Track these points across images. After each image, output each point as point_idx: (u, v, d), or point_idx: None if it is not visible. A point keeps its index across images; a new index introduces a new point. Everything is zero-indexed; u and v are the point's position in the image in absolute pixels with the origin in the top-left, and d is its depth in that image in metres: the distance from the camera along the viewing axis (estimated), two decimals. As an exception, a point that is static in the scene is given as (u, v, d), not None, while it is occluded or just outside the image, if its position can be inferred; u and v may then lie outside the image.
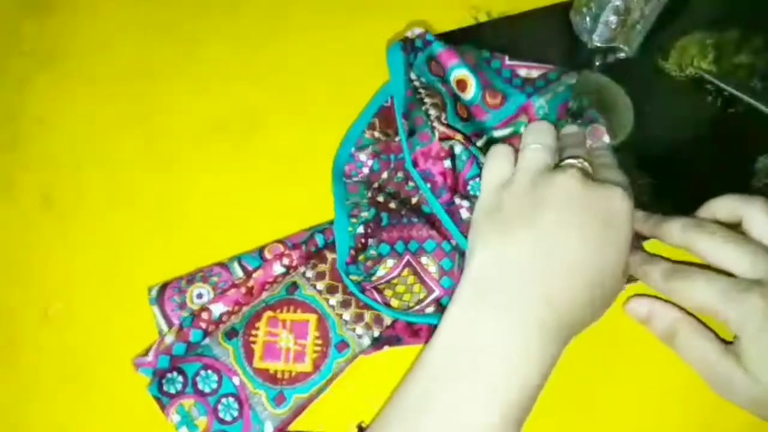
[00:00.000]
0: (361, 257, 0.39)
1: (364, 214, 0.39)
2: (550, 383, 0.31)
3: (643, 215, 0.37)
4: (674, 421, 0.38)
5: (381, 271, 0.39)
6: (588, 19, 0.44)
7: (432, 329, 0.34)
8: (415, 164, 0.39)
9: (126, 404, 0.38)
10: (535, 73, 0.43)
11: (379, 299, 0.37)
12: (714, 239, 0.33)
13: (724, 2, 0.48)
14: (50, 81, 0.48)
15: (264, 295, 0.39)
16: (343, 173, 0.43)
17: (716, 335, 0.34)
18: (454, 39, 0.44)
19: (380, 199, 0.40)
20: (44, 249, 0.43)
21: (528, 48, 0.44)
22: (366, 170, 0.42)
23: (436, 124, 0.39)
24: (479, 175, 0.37)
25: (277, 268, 0.38)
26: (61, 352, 0.40)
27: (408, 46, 0.42)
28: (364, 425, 0.37)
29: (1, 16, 0.50)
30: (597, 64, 0.45)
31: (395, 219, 0.40)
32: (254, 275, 0.38)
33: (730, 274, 0.32)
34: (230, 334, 0.37)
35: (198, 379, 0.36)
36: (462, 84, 0.41)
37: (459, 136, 0.38)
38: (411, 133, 0.40)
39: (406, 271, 0.38)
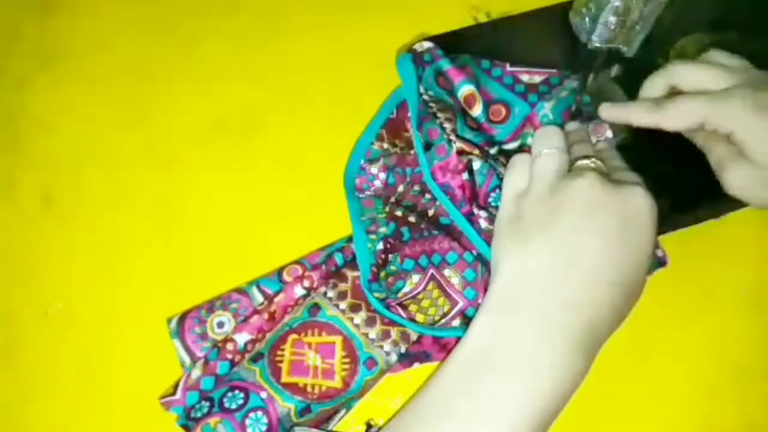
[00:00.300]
0: (382, 274, 0.38)
1: (383, 230, 0.39)
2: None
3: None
4: (674, 421, 0.38)
5: (407, 287, 0.38)
6: (587, 19, 0.44)
7: None
8: (433, 178, 0.39)
9: (126, 404, 0.39)
10: (537, 78, 0.43)
11: (404, 315, 0.37)
12: (681, 66, 0.36)
13: (724, 3, 0.48)
14: (50, 81, 0.48)
15: (286, 318, 0.38)
16: (354, 187, 0.42)
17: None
18: (454, 39, 0.44)
19: (398, 213, 0.40)
20: (44, 249, 0.43)
21: (527, 48, 0.45)
22: (378, 183, 0.42)
23: (453, 137, 0.39)
24: (500, 186, 0.37)
25: (298, 291, 0.38)
26: (61, 352, 0.40)
27: (417, 58, 0.41)
28: (373, 423, 0.37)
29: (1, 16, 0.50)
30: (596, 64, 0.45)
31: (416, 233, 0.39)
32: (276, 299, 0.38)
33: None
34: (256, 358, 0.37)
35: (225, 399, 0.35)
36: (470, 100, 0.41)
37: (477, 151, 0.38)
38: (427, 146, 0.39)
39: (431, 285, 0.38)
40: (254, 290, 0.39)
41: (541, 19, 0.47)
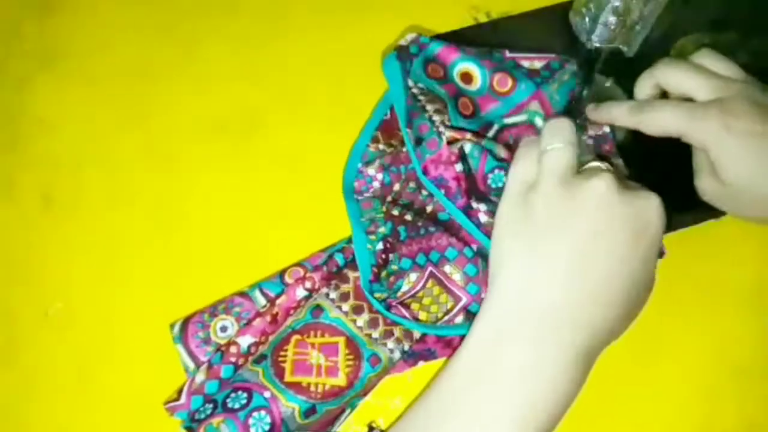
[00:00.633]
0: (383, 274, 0.38)
1: (381, 230, 0.39)
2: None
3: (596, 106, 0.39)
4: (674, 421, 0.38)
5: (405, 286, 0.38)
6: (587, 19, 0.44)
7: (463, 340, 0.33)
8: (425, 172, 0.39)
9: (126, 404, 0.39)
10: (537, 64, 0.42)
11: (406, 314, 0.37)
12: (669, 68, 0.36)
13: (723, 3, 0.48)
14: (50, 81, 0.48)
15: (288, 320, 0.38)
16: (353, 190, 0.42)
17: None
18: (453, 39, 0.44)
19: (395, 212, 0.40)
20: (44, 249, 0.43)
21: (527, 48, 0.44)
22: (376, 184, 0.42)
23: (442, 128, 0.38)
24: (497, 167, 0.37)
25: (300, 292, 0.38)
26: (61, 352, 0.40)
27: (403, 54, 0.41)
28: (374, 425, 0.37)
29: (1, 16, 0.50)
30: (596, 64, 0.45)
31: (413, 231, 0.39)
32: (278, 301, 0.38)
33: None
34: (259, 360, 0.37)
35: (228, 400, 0.35)
36: (467, 76, 0.41)
37: (468, 135, 0.38)
38: (418, 141, 0.39)
39: (430, 283, 0.38)
40: (256, 293, 0.39)
41: (540, 19, 0.47)
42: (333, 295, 0.38)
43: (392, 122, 0.43)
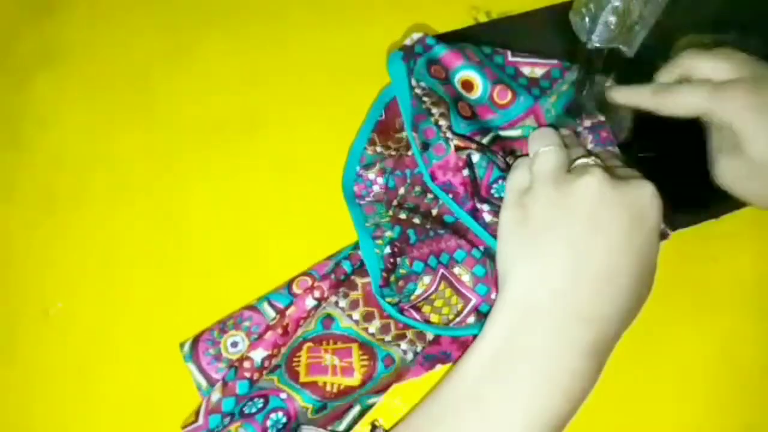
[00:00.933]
0: (392, 278, 0.38)
1: (388, 234, 0.39)
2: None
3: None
4: (674, 421, 0.38)
5: (419, 290, 0.38)
6: (587, 19, 0.44)
7: None
8: (433, 178, 0.39)
9: (126, 404, 0.39)
10: (538, 72, 0.43)
11: (418, 318, 0.36)
12: (693, 56, 0.38)
13: (723, 3, 0.48)
14: (50, 81, 0.48)
15: (299, 331, 0.38)
16: (353, 195, 0.42)
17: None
18: (454, 39, 0.44)
19: (402, 216, 0.40)
20: (45, 249, 0.43)
21: (527, 48, 0.44)
22: (376, 188, 0.42)
23: (449, 135, 0.38)
24: (501, 177, 0.37)
25: (309, 302, 0.38)
26: (62, 351, 0.40)
27: (408, 53, 0.41)
28: (378, 424, 0.37)
29: (1, 16, 0.50)
30: (596, 64, 0.45)
31: (422, 234, 0.39)
32: (287, 312, 0.37)
33: None
34: (273, 369, 0.37)
35: (245, 408, 0.35)
36: (468, 84, 0.41)
37: (474, 145, 0.38)
38: (424, 146, 0.39)
39: (442, 285, 0.37)
40: (265, 305, 0.39)
41: (541, 19, 0.47)
42: (342, 303, 0.38)
43: (387, 123, 0.43)
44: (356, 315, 0.37)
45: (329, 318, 0.37)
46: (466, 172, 0.38)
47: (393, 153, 0.43)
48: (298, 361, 0.36)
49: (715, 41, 0.46)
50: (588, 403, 0.38)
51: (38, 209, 0.44)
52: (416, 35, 0.41)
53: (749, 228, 0.42)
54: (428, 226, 0.39)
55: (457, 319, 0.36)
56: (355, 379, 0.35)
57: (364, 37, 0.47)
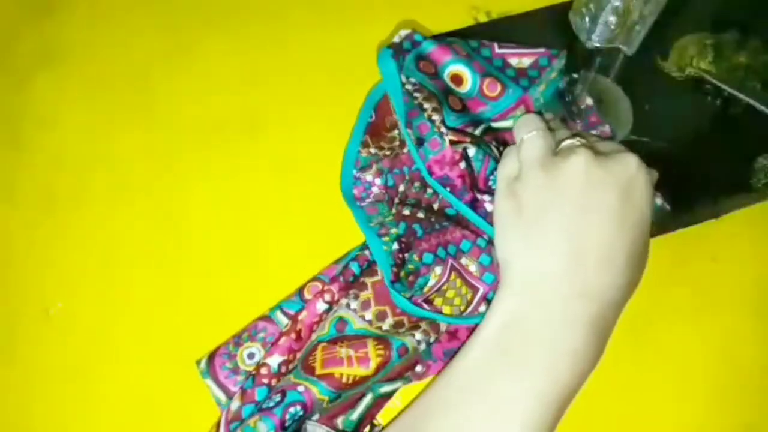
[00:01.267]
0: (402, 274, 0.38)
1: (394, 231, 0.39)
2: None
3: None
4: (674, 420, 0.38)
5: (432, 280, 0.38)
6: (587, 19, 0.44)
7: None
8: (430, 173, 0.39)
9: (126, 404, 0.39)
10: (526, 61, 0.43)
11: (430, 310, 0.37)
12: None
13: (724, 3, 0.48)
14: (50, 81, 0.48)
15: (313, 336, 0.38)
16: (353, 197, 0.42)
17: None
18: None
19: (406, 212, 0.40)
20: (45, 248, 0.43)
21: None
22: (375, 189, 0.42)
23: (444, 130, 0.38)
24: (497, 168, 0.37)
25: (321, 306, 0.38)
26: (62, 351, 0.40)
27: (397, 50, 0.41)
28: (376, 422, 0.37)
29: (1, 16, 0.50)
30: (596, 64, 0.45)
31: (428, 228, 0.39)
32: (300, 317, 0.37)
33: None
34: (289, 372, 0.37)
35: (262, 404, 0.35)
36: (457, 79, 0.41)
37: (468, 139, 0.38)
38: (419, 142, 0.39)
39: (453, 275, 0.38)
40: (278, 314, 0.39)
41: (540, 19, 0.47)
42: (354, 305, 0.37)
43: (378, 124, 0.43)
44: (369, 315, 0.37)
45: (342, 321, 0.37)
46: (462, 165, 0.38)
47: (387, 153, 0.43)
48: (314, 359, 0.36)
49: (715, 41, 0.46)
50: (588, 403, 0.38)
51: (38, 209, 0.44)
52: (404, 32, 0.42)
53: (749, 228, 0.42)
54: (433, 219, 0.39)
55: (469, 309, 0.37)
56: (370, 369, 0.35)
57: (364, 37, 0.47)
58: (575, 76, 0.43)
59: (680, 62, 0.45)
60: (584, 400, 0.38)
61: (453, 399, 0.31)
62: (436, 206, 0.40)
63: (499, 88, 0.41)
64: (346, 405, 0.37)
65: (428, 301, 0.37)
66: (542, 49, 0.43)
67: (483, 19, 0.48)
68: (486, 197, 0.38)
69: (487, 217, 0.37)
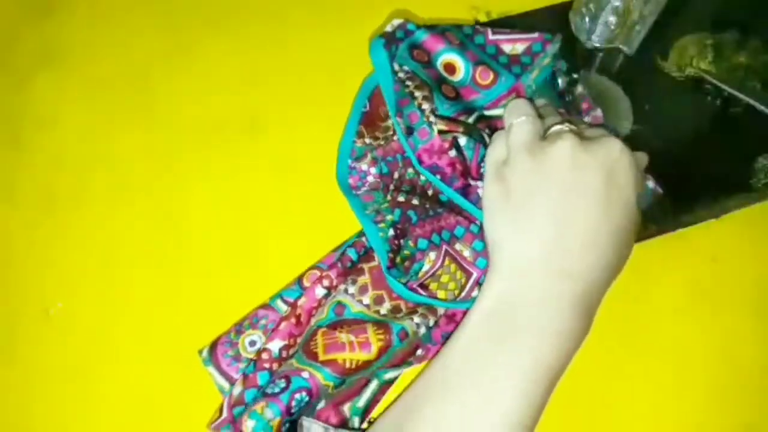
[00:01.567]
0: (398, 259, 0.38)
1: (389, 217, 0.39)
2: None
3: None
4: (674, 420, 0.38)
5: (426, 266, 0.38)
6: (587, 19, 0.44)
7: None
8: (420, 161, 0.39)
9: (126, 404, 0.39)
10: (520, 48, 0.42)
11: (426, 295, 0.37)
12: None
13: (724, 3, 0.48)
14: (50, 81, 0.48)
15: (312, 321, 0.38)
16: (349, 187, 0.42)
17: None
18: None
19: (401, 198, 0.40)
20: (45, 248, 0.43)
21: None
22: (370, 178, 0.42)
23: (432, 119, 0.39)
24: None
25: (319, 291, 0.38)
26: (62, 351, 0.40)
27: (389, 39, 0.41)
28: (372, 420, 0.37)
29: (1, 16, 0.50)
30: (596, 64, 0.45)
31: (422, 214, 0.39)
32: (299, 303, 0.38)
33: None
34: (290, 356, 0.37)
35: (267, 389, 0.35)
36: (450, 67, 0.41)
37: (461, 128, 0.38)
38: (409, 131, 0.39)
39: (447, 260, 0.38)
40: (278, 302, 0.39)
41: (541, 19, 0.47)
42: (352, 289, 0.38)
43: (372, 114, 0.43)
44: (366, 299, 0.38)
45: (340, 305, 0.37)
46: (452, 153, 0.39)
47: (381, 143, 0.43)
48: (315, 344, 0.36)
49: (715, 41, 0.46)
50: (588, 403, 0.38)
51: (38, 209, 0.44)
52: (396, 21, 0.41)
53: (749, 228, 0.42)
54: (427, 206, 0.39)
55: (462, 294, 0.37)
56: (372, 353, 0.35)
57: (364, 37, 0.47)
58: (575, 76, 0.44)
59: (680, 62, 0.45)
60: (584, 399, 0.38)
61: (447, 383, 0.31)
62: (430, 192, 0.40)
63: (491, 76, 0.41)
64: (352, 392, 0.37)
65: (423, 286, 0.37)
66: (536, 34, 0.42)
67: (483, 19, 0.48)
68: (479, 183, 0.38)
69: (479, 203, 0.37)
